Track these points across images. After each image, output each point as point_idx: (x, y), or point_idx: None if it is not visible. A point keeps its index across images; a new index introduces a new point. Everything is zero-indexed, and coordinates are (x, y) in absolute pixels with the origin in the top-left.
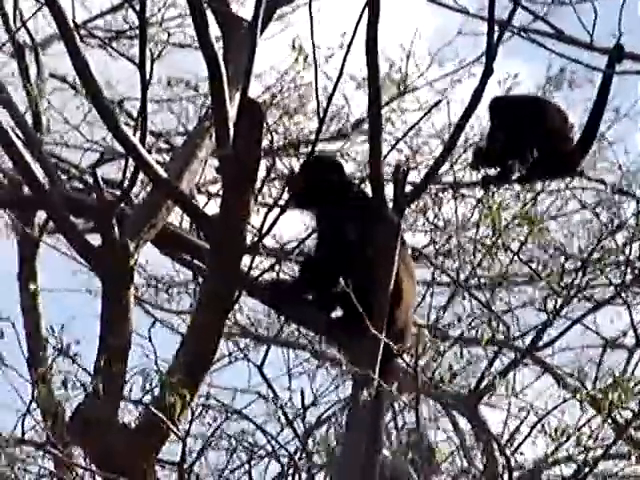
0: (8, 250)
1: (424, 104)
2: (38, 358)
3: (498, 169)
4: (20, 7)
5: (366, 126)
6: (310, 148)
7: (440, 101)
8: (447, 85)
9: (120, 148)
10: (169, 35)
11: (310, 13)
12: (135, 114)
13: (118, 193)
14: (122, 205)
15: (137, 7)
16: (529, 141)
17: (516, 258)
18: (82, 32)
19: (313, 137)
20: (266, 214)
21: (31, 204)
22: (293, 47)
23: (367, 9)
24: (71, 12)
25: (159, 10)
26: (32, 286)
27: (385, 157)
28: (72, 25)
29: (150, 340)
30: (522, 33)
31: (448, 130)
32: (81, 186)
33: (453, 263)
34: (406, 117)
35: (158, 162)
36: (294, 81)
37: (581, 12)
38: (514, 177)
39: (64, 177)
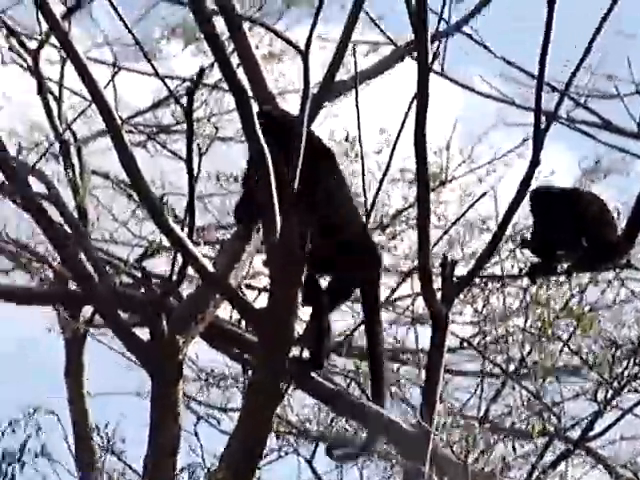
0: (55, 344)
1: (465, 194)
2: (85, 454)
3: (544, 260)
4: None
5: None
6: None
7: (485, 193)
8: (485, 173)
9: (167, 242)
10: (217, 130)
11: (357, 109)
12: (180, 208)
13: (166, 287)
14: (170, 299)
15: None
16: (574, 232)
17: (566, 348)
18: (126, 128)
19: None
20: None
21: (79, 299)
22: (346, 139)
23: (416, 101)
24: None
25: (202, 104)
26: (81, 389)
27: (432, 248)
28: (119, 121)
29: (197, 436)
30: (569, 123)
31: (495, 220)
32: (130, 280)
33: (502, 354)
34: (446, 206)
35: (205, 256)
36: None
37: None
38: (560, 268)
39: (112, 272)
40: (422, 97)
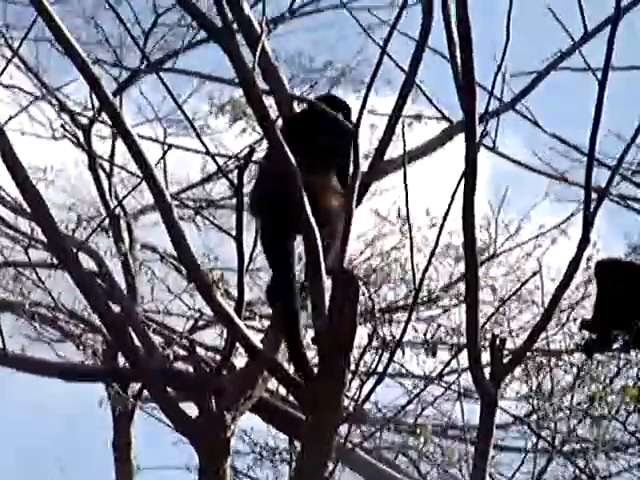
0: (104, 419)
1: (513, 268)
2: None
3: (603, 335)
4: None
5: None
6: (407, 315)
7: (535, 273)
8: (532, 248)
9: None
10: None
11: (406, 189)
12: (230, 283)
13: (216, 362)
14: (219, 375)
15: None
16: (634, 309)
17: (618, 424)
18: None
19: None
20: (362, 383)
21: (128, 376)
22: (398, 215)
23: (464, 183)
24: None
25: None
26: (129, 462)
27: (482, 327)
28: (169, 198)
29: None
30: (619, 200)
31: (541, 294)
32: (182, 352)
33: (551, 430)
34: (494, 280)
35: (254, 329)
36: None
37: None
38: (617, 345)
39: (164, 344)
40: (470, 179)
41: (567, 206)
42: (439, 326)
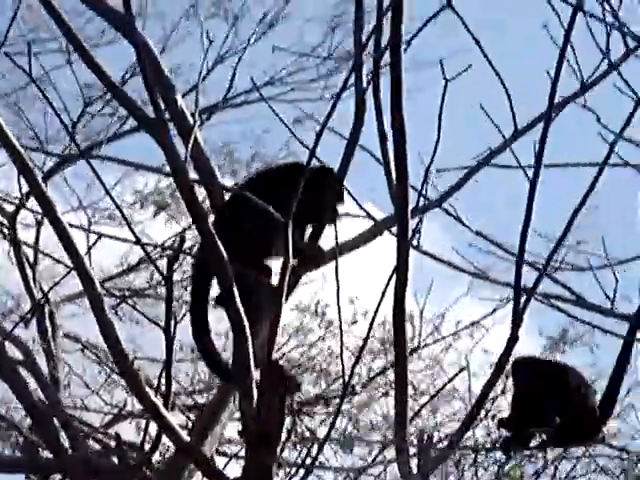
0: None
1: (436, 361)
2: None
3: (520, 433)
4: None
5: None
6: (336, 408)
7: (462, 369)
8: (453, 340)
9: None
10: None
11: (337, 283)
12: (152, 373)
13: (140, 457)
14: (144, 468)
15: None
16: (551, 407)
17: None
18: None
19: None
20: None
21: (50, 468)
22: (316, 312)
23: (395, 278)
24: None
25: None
26: None
27: (411, 421)
28: (99, 286)
29: None
30: (543, 299)
31: (468, 389)
32: (100, 448)
33: None
34: (414, 375)
35: (181, 426)
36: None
37: (600, 276)
38: (535, 442)
39: (84, 439)
40: (401, 275)
41: (490, 301)
42: (357, 420)
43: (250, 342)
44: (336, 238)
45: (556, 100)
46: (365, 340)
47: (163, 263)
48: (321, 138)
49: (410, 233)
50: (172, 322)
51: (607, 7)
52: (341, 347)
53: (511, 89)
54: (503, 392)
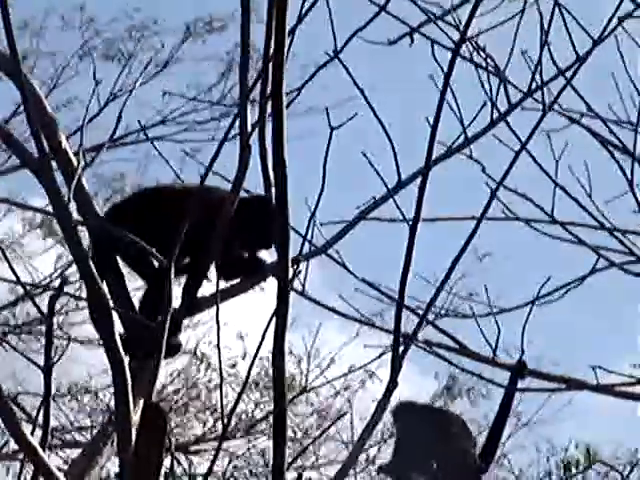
0: None
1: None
2: None
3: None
4: None
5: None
6: (215, 448)
7: (344, 414)
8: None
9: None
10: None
11: (218, 325)
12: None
13: None
14: None
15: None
16: (431, 454)
17: None
18: None
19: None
20: None
21: None
22: (194, 354)
23: (275, 322)
24: None
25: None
26: None
27: (290, 465)
28: None
29: None
30: (425, 346)
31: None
32: None
33: None
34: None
35: (59, 468)
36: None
37: (484, 324)
38: None
39: None
40: (280, 318)
41: (378, 346)
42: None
43: (130, 383)
44: (217, 285)
45: (442, 151)
46: (244, 384)
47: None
48: (205, 180)
49: (290, 278)
50: (51, 357)
51: (490, 62)
52: (220, 390)
53: (404, 139)
54: (385, 439)
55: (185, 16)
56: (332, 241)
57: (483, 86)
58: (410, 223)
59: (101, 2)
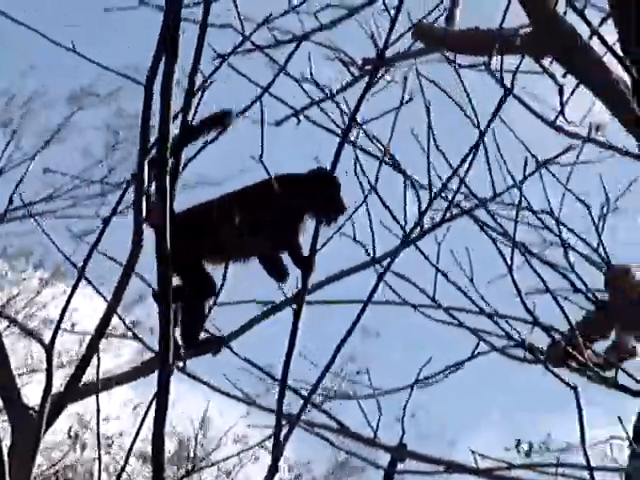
0: None
1: None
2: None
3: None
4: None
5: None
6: None
7: None
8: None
9: None
10: None
11: (98, 412)
12: None
13: None
14: None
15: None
16: None
17: None
18: None
19: None
20: None
21: None
22: (69, 436)
23: (155, 403)
24: None
25: None
26: None
27: None
28: None
29: None
30: (308, 427)
31: None
32: None
33: None
34: None
35: None
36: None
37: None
38: None
39: None
40: (161, 402)
41: (264, 426)
42: None
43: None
44: (97, 369)
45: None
46: (124, 464)
47: None
48: (90, 258)
49: (171, 360)
50: None
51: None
52: (99, 471)
53: None
54: None
55: (71, 86)
56: (232, 336)
57: (365, 174)
58: (294, 308)
59: None
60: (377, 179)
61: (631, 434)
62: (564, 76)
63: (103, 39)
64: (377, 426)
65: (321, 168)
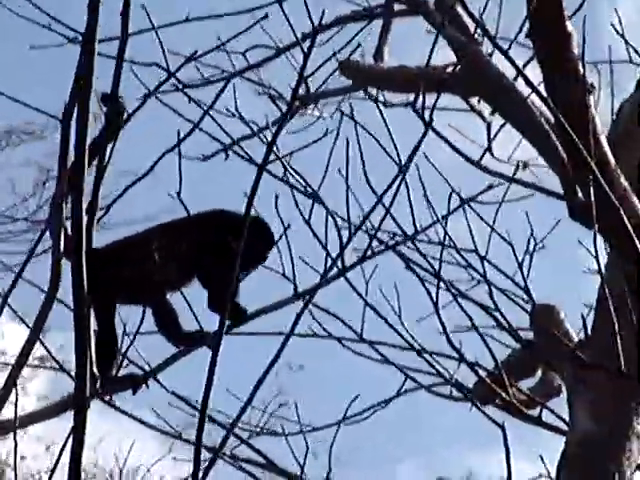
0: None
1: None
2: None
3: None
4: None
5: None
6: None
7: None
8: None
9: None
10: None
11: (15, 447)
12: None
13: None
14: None
15: None
16: None
17: None
18: None
19: None
20: None
21: None
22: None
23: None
24: None
25: None
26: None
27: None
28: None
29: None
30: (232, 461)
31: None
32: None
33: None
34: None
35: None
36: None
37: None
38: None
39: None
40: (77, 442)
41: (188, 460)
42: None
43: None
44: (15, 406)
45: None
46: None
47: None
48: (4, 309)
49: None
50: None
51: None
52: None
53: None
54: None
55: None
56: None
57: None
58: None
59: None
60: (302, 214)
61: (554, 472)
62: (492, 114)
63: (40, 76)
64: (304, 461)
65: (257, 216)
